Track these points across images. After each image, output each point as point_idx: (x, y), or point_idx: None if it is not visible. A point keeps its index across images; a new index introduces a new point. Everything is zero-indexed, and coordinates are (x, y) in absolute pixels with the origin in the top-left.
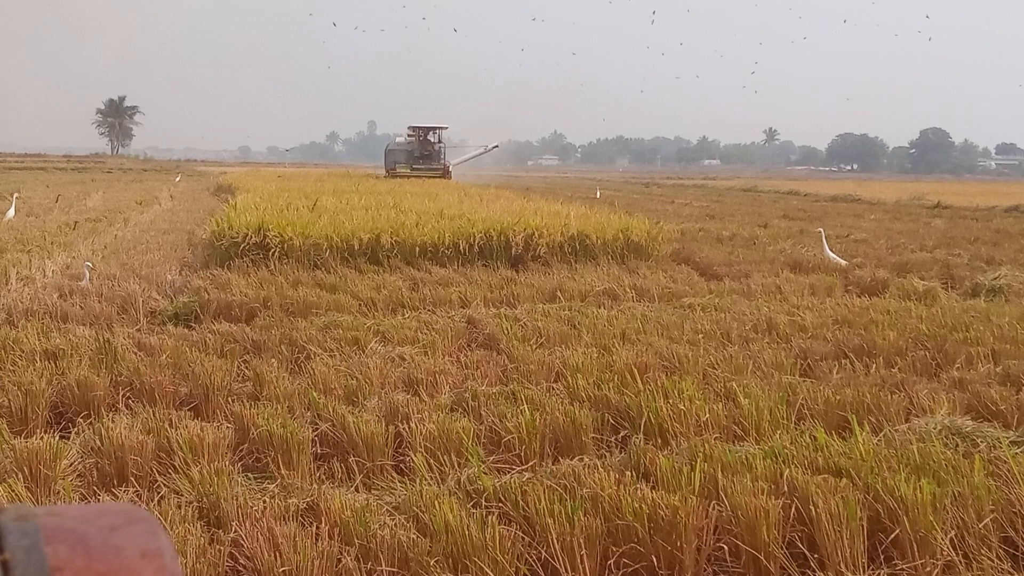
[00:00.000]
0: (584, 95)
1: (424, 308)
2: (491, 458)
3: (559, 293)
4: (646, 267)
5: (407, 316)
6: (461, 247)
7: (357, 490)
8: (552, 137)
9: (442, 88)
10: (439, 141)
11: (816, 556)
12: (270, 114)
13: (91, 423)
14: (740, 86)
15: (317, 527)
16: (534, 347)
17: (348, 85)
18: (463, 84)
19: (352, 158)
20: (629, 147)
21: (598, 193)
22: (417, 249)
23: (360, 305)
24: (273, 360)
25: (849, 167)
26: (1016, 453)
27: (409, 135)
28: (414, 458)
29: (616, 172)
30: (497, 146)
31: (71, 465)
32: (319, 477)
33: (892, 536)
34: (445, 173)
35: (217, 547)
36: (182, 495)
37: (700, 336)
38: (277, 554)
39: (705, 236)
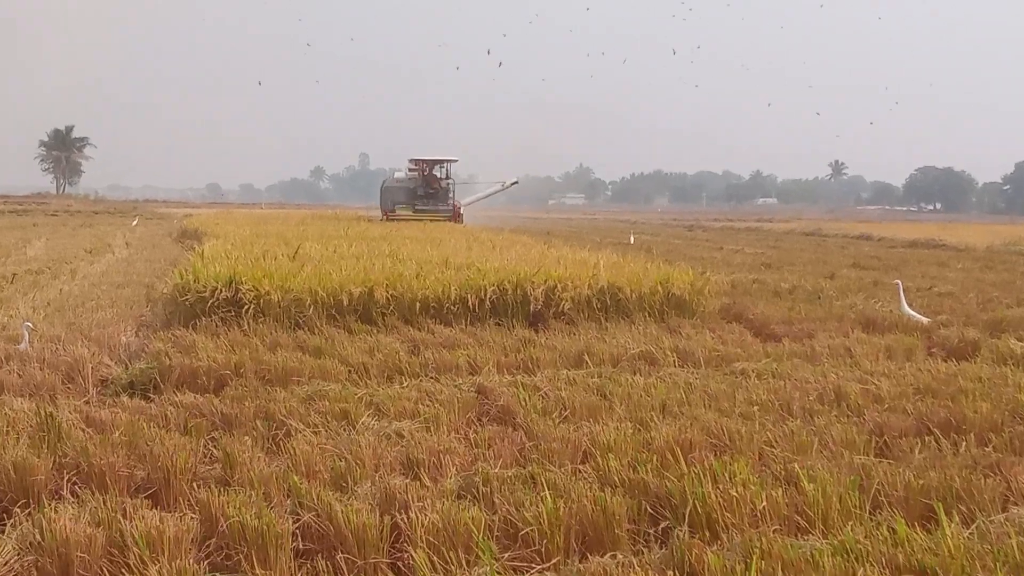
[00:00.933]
0: (616, 123)
1: (426, 375)
2: (506, 555)
3: (586, 357)
4: (690, 326)
5: (406, 385)
6: (470, 302)
7: None
8: (577, 172)
9: (446, 116)
10: (447, 177)
11: None
12: (245, 147)
13: (29, 513)
14: (800, 109)
15: None
16: (557, 421)
17: (336, 113)
18: (471, 112)
19: (341, 197)
20: (669, 183)
21: (632, 238)
22: (418, 305)
23: (350, 372)
24: (247, 437)
25: (931, 206)
26: None
27: (411, 169)
28: (414, 555)
29: (654, 213)
30: (516, 182)
31: (5, 564)
32: None
33: None
34: (455, 216)
35: None
36: None
37: (755, 408)
38: None
39: (760, 289)
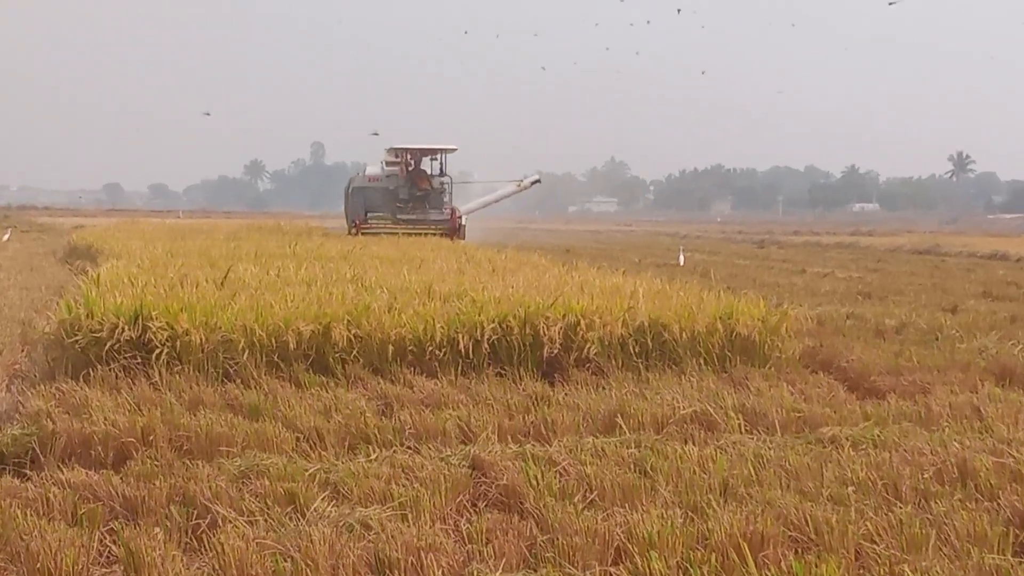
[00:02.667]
0: (659, 103)
1: (402, 444)
2: None
3: (620, 419)
4: (761, 377)
5: (374, 458)
6: (461, 345)
7: None
8: (608, 168)
9: (432, 95)
10: (442, 173)
11: None
12: (156, 136)
13: None
14: (912, 84)
15: None
16: (580, 508)
17: (281, 90)
18: (465, 90)
19: (286, 201)
20: (732, 183)
21: (682, 257)
22: (390, 349)
23: (298, 439)
24: (157, 529)
25: None
26: None
27: (389, 163)
28: None
29: (711, 223)
30: (539, 181)
31: None
32: None
33: None
34: (454, 229)
35: None
36: None
37: (850, 490)
38: None
39: (857, 327)
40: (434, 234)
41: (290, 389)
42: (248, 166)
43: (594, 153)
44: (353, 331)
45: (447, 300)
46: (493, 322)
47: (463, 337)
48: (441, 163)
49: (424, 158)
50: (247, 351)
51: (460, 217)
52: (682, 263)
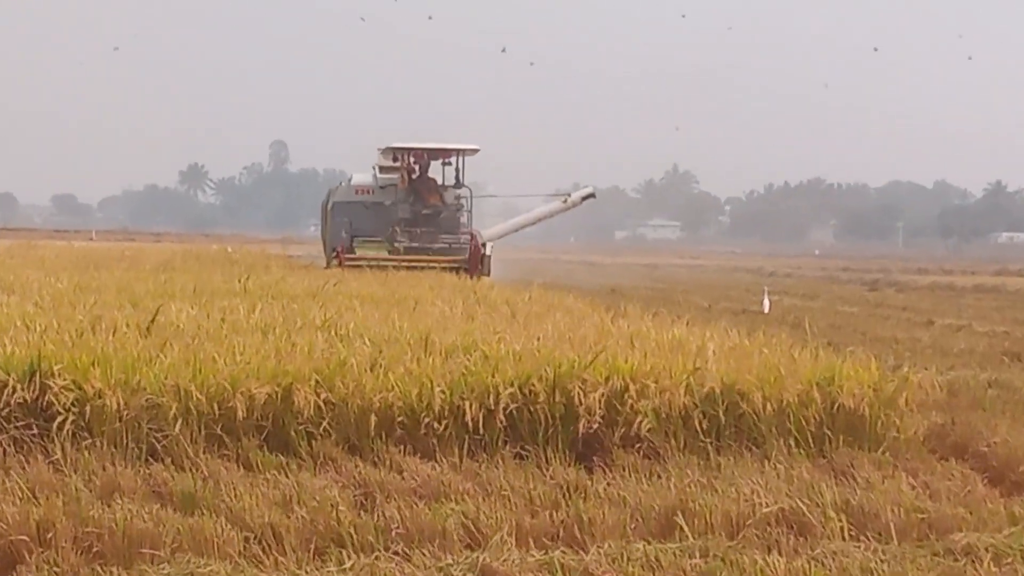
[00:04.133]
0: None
1: (386, 549)
2: None
3: (680, 518)
4: (871, 464)
5: (349, 566)
6: (468, 415)
7: None
8: (669, 181)
9: (433, 81)
10: (459, 184)
11: None
12: (60, 133)
13: None
14: None
15: None
16: None
17: (229, 72)
18: (477, 76)
19: (237, 220)
20: (835, 202)
21: (767, 302)
22: (373, 420)
23: (248, 540)
24: None
25: None
26: None
27: (384, 170)
28: None
29: (807, 256)
30: (593, 195)
31: None
32: None
33: None
34: (476, 261)
35: None
36: None
37: None
38: None
39: (1002, 398)
40: (445, 267)
41: (237, 472)
42: (185, 173)
43: (650, 161)
44: (323, 395)
45: (450, 355)
46: (512, 385)
47: (471, 405)
48: (457, 169)
49: (433, 162)
50: (180, 420)
51: (484, 245)
52: (767, 310)
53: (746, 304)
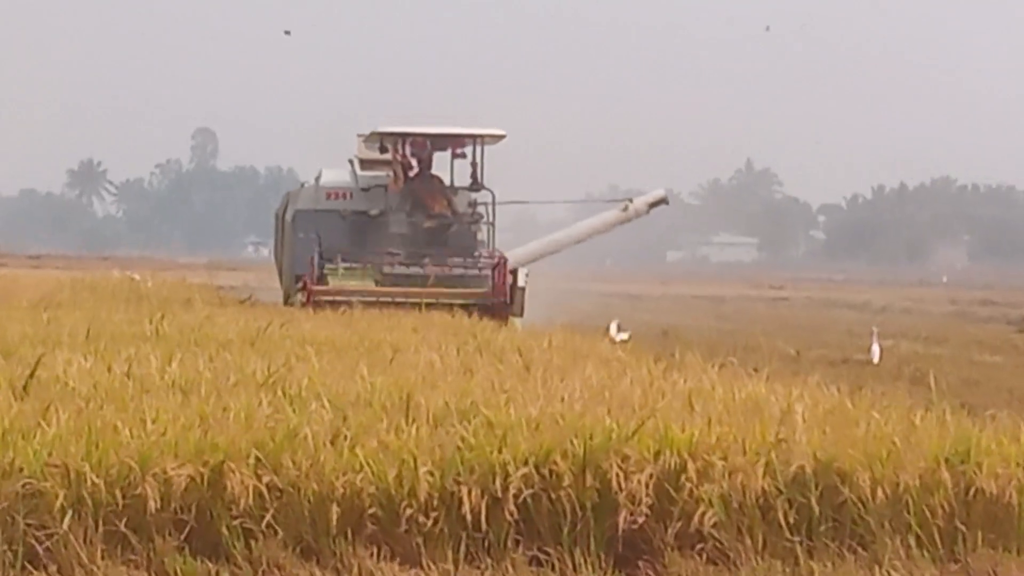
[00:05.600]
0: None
1: None
2: None
3: None
4: (1020, 569)
5: None
6: (467, 506)
7: None
8: (740, 182)
9: (403, 48)
10: (476, 183)
11: None
12: None
13: None
14: None
15: None
16: None
17: (132, 41)
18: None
19: (147, 236)
20: (969, 211)
21: (876, 349)
22: (335, 512)
23: None
24: None
25: None
26: None
27: (369, 164)
28: None
29: (932, 284)
30: (665, 201)
31: None
32: None
33: None
34: (503, 299)
35: None
36: None
37: None
38: None
39: None
40: (464, 308)
41: None
42: (76, 173)
43: (715, 156)
44: (266, 479)
45: (441, 423)
46: (526, 464)
47: (470, 492)
48: (475, 164)
49: (439, 153)
50: (70, 513)
51: (514, 273)
52: (877, 359)
53: (848, 351)
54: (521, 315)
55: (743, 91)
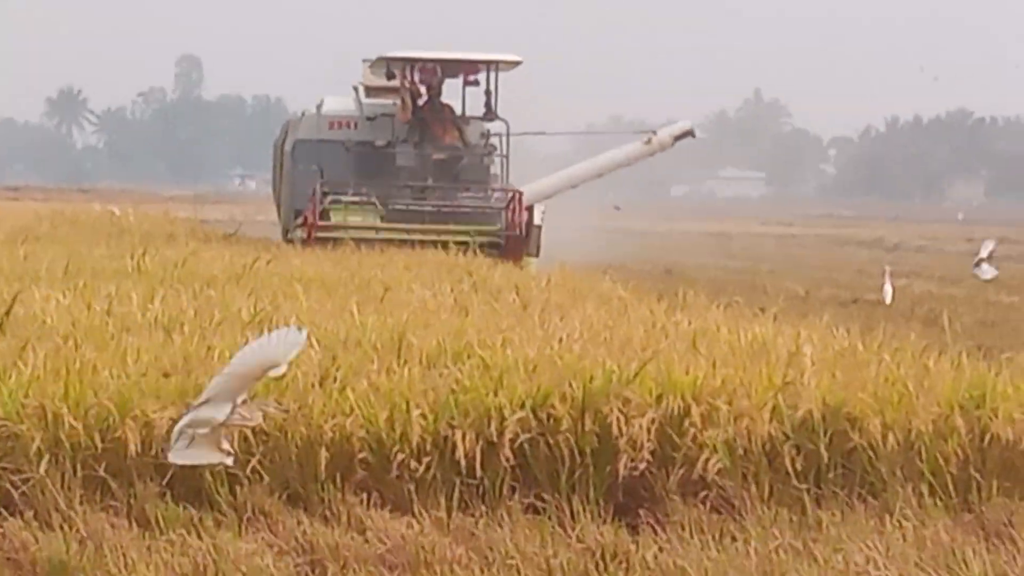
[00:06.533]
0: None
1: None
2: None
3: None
4: None
5: None
6: (461, 451)
7: None
8: (748, 112)
9: None
10: (491, 115)
11: None
12: None
13: None
14: None
15: None
16: None
17: None
18: None
19: (128, 169)
20: (985, 146)
21: (888, 289)
22: (324, 457)
23: None
24: None
25: None
26: None
27: (374, 91)
28: None
29: (948, 220)
30: (692, 133)
31: None
32: None
33: None
34: (520, 239)
35: None
36: None
37: None
38: None
39: None
40: (474, 247)
41: (129, 532)
42: (55, 102)
43: (721, 85)
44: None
45: (434, 364)
46: (522, 408)
47: (464, 436)
48: (488, 93)
49: (450, 80)
50: (47, 457)
51: (528, 208)
52: (889, 299)
53: (859, 291)
54: (537, 255)
55: (751, 19)
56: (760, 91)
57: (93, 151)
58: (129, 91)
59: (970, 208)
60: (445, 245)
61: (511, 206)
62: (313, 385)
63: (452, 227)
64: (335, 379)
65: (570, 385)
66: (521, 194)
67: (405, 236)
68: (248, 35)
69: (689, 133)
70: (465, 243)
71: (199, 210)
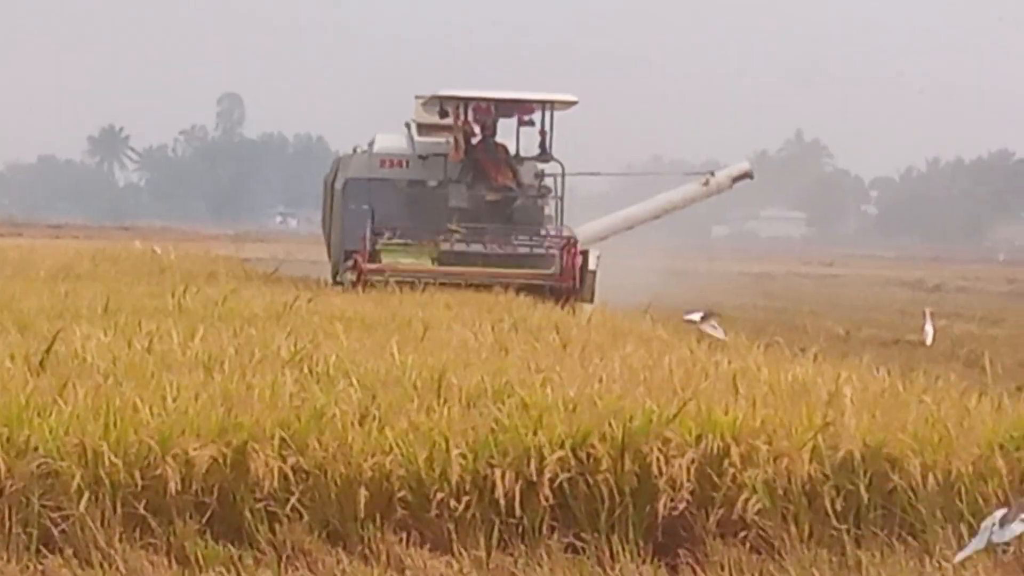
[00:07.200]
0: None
1: None
2: None
3: None
4: None
5: None
6: (501, 491)
7: None
8: (790, 153)
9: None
10: (546, 156)
11: None
12: None
13: None
14: None
15: None
16: None
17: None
18: None
19: (170, 207)
20: None
21: (929, 329)
22: (363, 496)
23: None
24: None
25: None
26: None
27: (427, 129)
28: None
29: (989, 261)
30: (750, 175)
31: None
32: None
33: None
34: (573, 282)
35: None
36: None
37: None
38: None
39: None
40: (529, 290)
41: (169, 570)
42: (97, 140)
43: (763, 125)
44: (291, 460)
45: (474, 404)
46: (562, 447)
47: (504, 475)
48: (544, 133)
49: (504, 120)
50: (87, 494)
51: (585, 254)
52: (930, 340)
53: (900, 332)
54: (592, 301)
55: (791, 58)
56: (801, 131)
57: (135, 189)
58: (171, 129)
59: (1011, 248)
60: (505, 287)
61: (566, 251)
62: (353, 424)
63: (506, 270)
64: (375, 418)
65: (610, 425)
66: (576, 239)
67: (456, 279)
68: (290, 74)
69: (748, 175)
70: (523, 287)
71: (240, 248)
